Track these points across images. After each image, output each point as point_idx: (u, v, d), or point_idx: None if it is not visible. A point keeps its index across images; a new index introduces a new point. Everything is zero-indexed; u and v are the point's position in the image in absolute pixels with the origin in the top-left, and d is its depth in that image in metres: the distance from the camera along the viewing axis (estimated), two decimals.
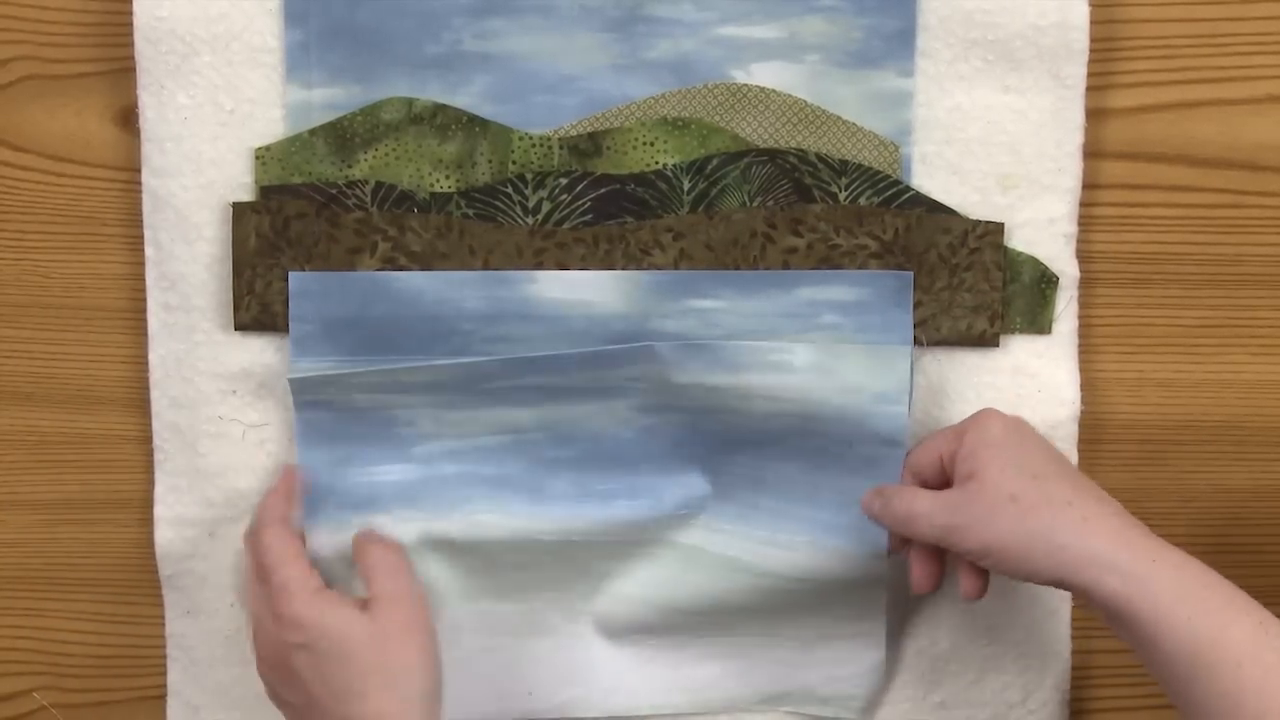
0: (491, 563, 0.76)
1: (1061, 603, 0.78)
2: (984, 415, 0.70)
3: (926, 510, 0.68)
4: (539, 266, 0.75)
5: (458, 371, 0.74)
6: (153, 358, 0.76)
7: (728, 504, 0.76)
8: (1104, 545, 0.64)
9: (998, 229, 0.74)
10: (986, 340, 0.75)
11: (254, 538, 0.72)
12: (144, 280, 0.76)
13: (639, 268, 0.75)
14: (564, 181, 0.75)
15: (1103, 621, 0.66)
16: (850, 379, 0.73)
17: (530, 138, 0.75)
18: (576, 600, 0.78)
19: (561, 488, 0.76)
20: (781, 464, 0.74)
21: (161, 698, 0.80)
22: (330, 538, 0.75)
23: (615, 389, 0.75)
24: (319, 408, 0.74)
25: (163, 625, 0.80)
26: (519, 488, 0.76)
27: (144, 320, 0.76)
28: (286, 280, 0.74)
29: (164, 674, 0.80)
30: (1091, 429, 0.77)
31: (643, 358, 0.74)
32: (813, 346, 0.73)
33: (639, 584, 0.77)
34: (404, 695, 0.67)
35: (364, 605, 0.69)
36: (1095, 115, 0.75)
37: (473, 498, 0.75)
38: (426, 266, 0.75)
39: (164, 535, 0.78)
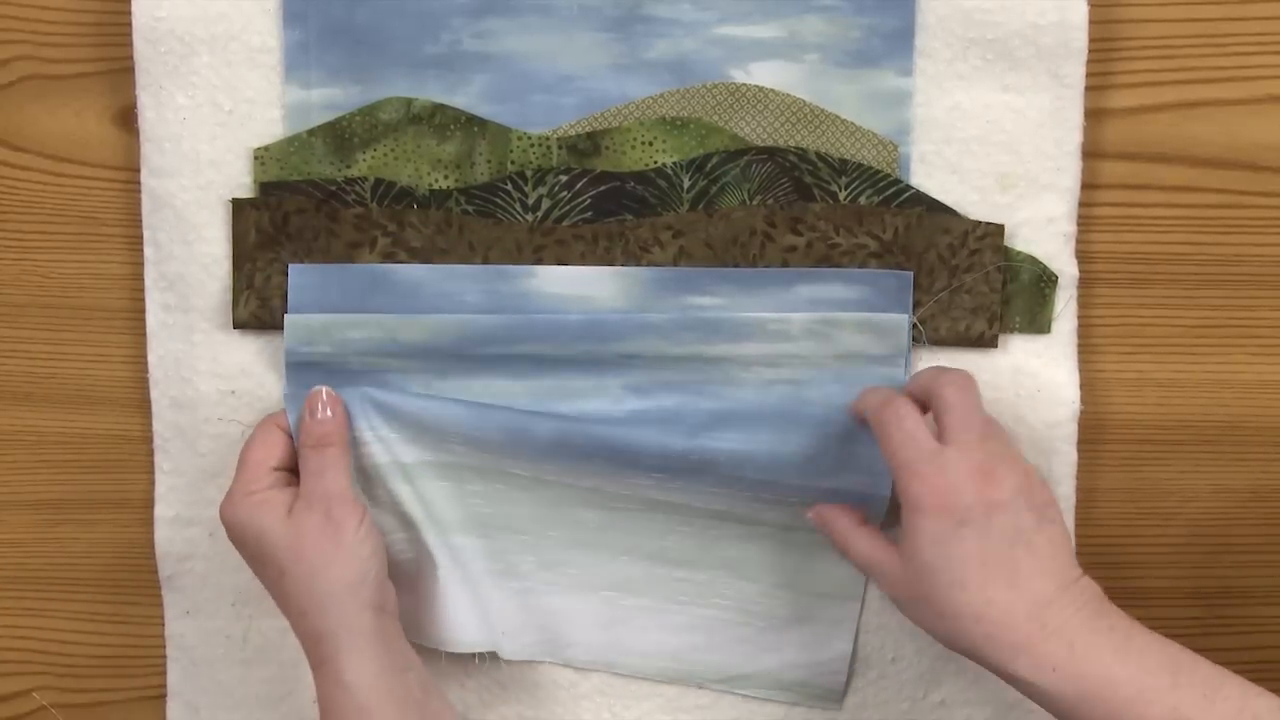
0: (461, 495, 0.76)
1: None
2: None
3: (874, 556, 0.71)
4: (538, 263, 0.75)
5: (454, 330, 0.74)
6: (152, 358, 0.77)
7: (710, 474, 0.75)
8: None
9: (998, 230, 0.74)
10: (985, 342, 0.75)
11: None
12: (143, 280, 0.76)
13: (638, 264, 0.75)
14: (564, 179, 0.75)
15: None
16: (848, 344, 0.74)
17: (529, 137, 0.75)
18: (551, 549, 0.77)
19: (542, 433, 0.74)
20: (774, 438, 0.74)
21: (161, 698, 0.80)
22: None
23: (610, 364, 0.75)
24: (312, 369, 0.74)
25: (163, 625, 0.80)
26: (499, 426, 0.75)
27: (144, 320, 0.76)
28: (285, 275, 0.74)
29: (164, 674, 0.80)
30: (1091, 429, 0.77)
31: (642, 329, 0.74)
32: (811, 316, 0.74)
33: (622, 533, 0.77)
34: (323, 590, 0.69)
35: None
36: (1095, 115, 0.75)
37: (450, 426, 0.74)
38: (426, 262, 0.75)
39: (164, 535, 0.78)
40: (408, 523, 0.75)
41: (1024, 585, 0.66)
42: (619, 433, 0.74)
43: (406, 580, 0.75)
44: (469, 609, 0.76)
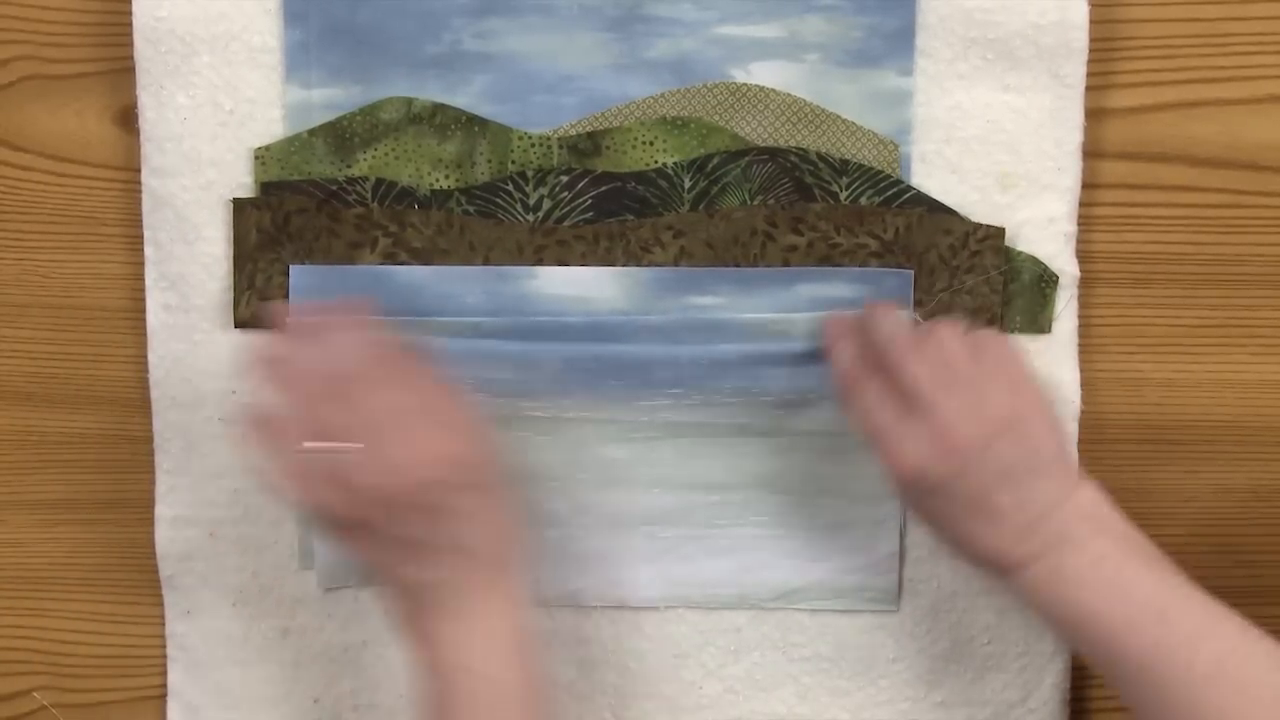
0: None
1: None
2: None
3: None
4: (539, 263, 0.75)
5: (455, 332, 0.74)
6: (152, 358, 0.77)
7: (725, 380, 0.75)
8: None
9: (998, 233, 0.74)
10: None
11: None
12: (144, 280, 0.76)
13: (639, 265, 0.75)
14: (564, 179, 0.75)
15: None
16: None
17: (529, 137, 0.75)
18: (583, 491, 0.77)
19: (550, 360, 0.75)
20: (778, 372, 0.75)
21: (161, 698, 0.80)
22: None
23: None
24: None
25: (162, 625, 0.80)
26: (509, 361, 0.75)
27: (144, 320, 0.76)
28: (287, 275, 0.74)
29: (164, 674, 0.80)
30: (1091, 429, 0.77)
31: (643, 331, 0.75)
32: (812, 316, 0.74)
33: (649, 465, 0.77)
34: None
35: None
36: (1095, 115, 0.75)
37: (459, 375, 0.74)
38: (427, 263, 0.75)
39: (164, 535, 0.78)
40: None
41: (1006, 520, 0.67)
42: (628, 349, 0.75)
43: None
44: None
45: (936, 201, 0.75)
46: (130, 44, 0.74)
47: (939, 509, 0.68)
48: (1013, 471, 0.67)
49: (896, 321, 0.70)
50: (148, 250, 0.76)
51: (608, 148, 0.75)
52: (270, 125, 0.75)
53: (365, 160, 0.75)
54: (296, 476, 0.66)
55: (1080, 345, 0.76)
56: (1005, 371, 0.69)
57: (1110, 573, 0.66)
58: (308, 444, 0.65)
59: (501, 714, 0.66)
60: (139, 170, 0.75)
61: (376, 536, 0.67)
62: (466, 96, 0.74)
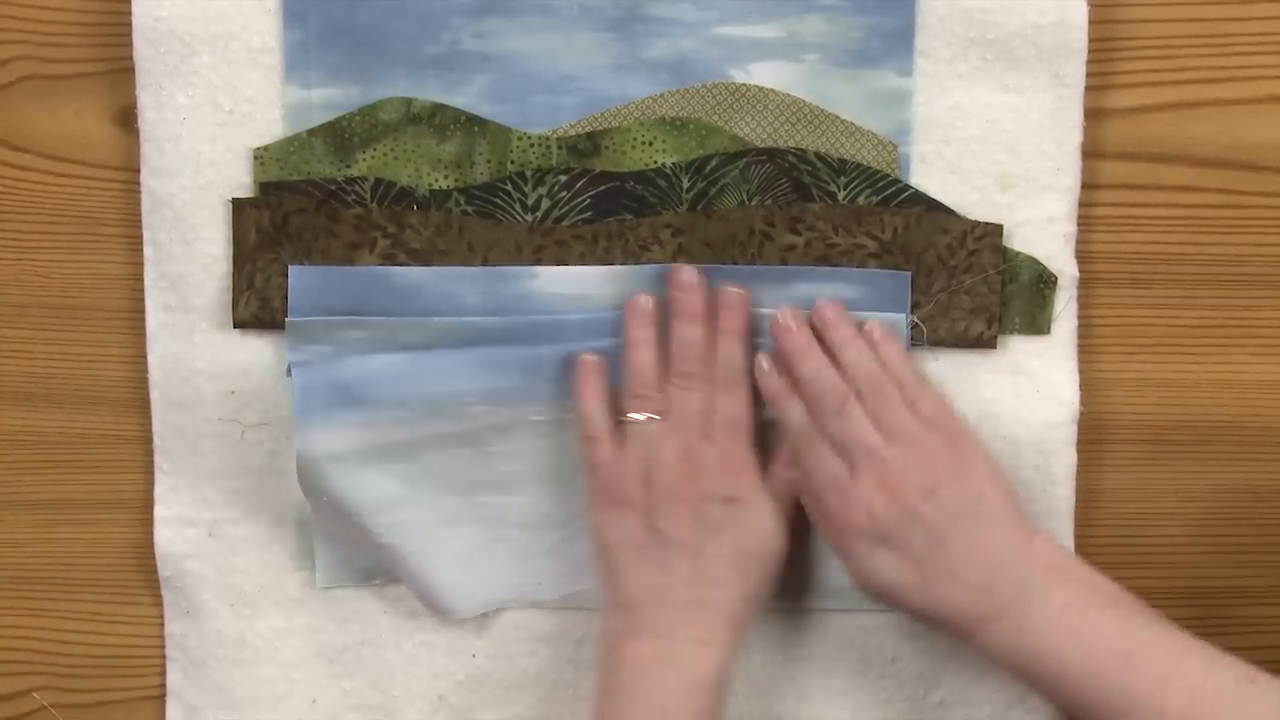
0: (486, 454, 0.76)
1: None
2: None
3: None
4: (538, 263, 0.75)
5: (455, 332, 0.74)
6: (152, 358, 0.77)
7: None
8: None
9: (996, 231, 0.74)
10: (984, 343, 0.75)
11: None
12: (143, 280, 0.76)
13: (638, 264, 0.75)
14: (563, 179, 0.75)
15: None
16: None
17: (529, 137, 0.75)
18: (583, 493, 0.77)
19: (554, 361, 0.75)
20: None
21: (161, 698, 0.80)
22: (320, 435, 0.74)
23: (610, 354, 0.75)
24: (313, 370, 0.74)
25: (162, 625, 0.80)
26: (509, 370, 0.75)
27: (144, 320, 0.76)
28: (285, 276, 0.74)
29: (164, 674, 0.80)
30: (1091, 429, 0.77)
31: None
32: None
33: None
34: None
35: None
36: (1095, 115, 0.75)
37: (463, 387, 0.75)
38: (426, 263, 0.75)
39: (164, 535, 0.78)
40: (407, 499, 0.75)
41: (962, 575, 0.68)
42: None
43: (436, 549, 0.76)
44: (481, 569, 0.77)
45: (934, 201, 0.75)
46: (130, 44, 0.74)
47: (893, 567, 0.69)
48: (962, 517, 0.68)
49: (833, 381, 0.71)
50: (147, 250, 0.76)
51: (607, 148, 0.75)
52: (270, 125, 0.75)
53: (364, 160, 0.75)
54: (603, 433, 0.72)
55: (1080, 346, 0.76)
56: (944, 424, 0.71)
57: (1075, 621, 0.66)
58: (629, 414, 0.72)
59: None
60: (138, 170, 0.75)
61: (637, 518, 0.70)
62: (466, 97, 0.74)
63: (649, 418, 0.71)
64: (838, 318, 0.73)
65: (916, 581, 0.69)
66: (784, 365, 0.72)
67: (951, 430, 0.71)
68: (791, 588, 0.78)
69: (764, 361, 0.73)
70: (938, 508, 0.68)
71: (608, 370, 0.74)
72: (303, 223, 0.75)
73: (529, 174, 0.75)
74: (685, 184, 0.75)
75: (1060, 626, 0.66)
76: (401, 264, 0.75)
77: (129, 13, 0.73)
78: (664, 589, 0.70)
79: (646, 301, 0.73)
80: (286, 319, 0.74)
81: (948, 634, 0.70)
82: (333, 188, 0.75)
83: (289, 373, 0.74)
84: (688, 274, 0.73)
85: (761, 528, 0.71)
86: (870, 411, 0.70)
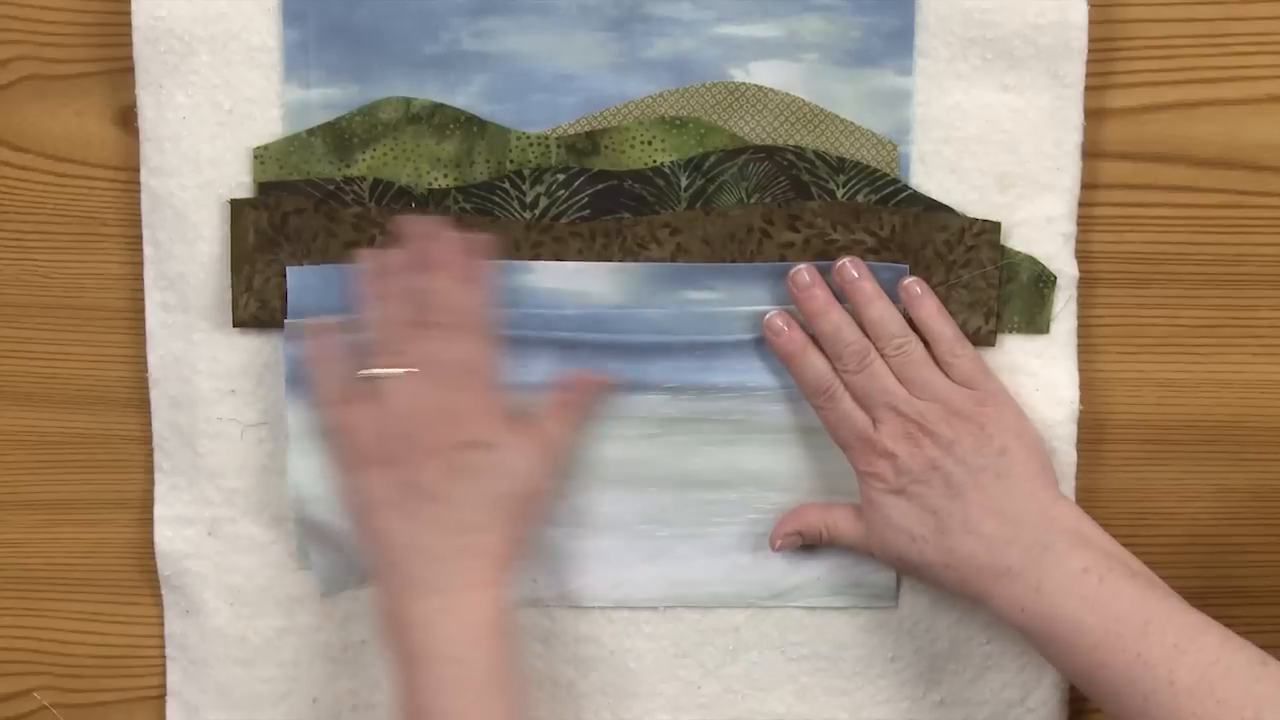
0: None
1: None
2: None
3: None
4: (535, 259, 0.75)
5: None
6: (152, 357, 0.77)
7: (719, 368, 0.76)
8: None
9: (994, 227, 0.74)
10: (982, 339, 0.75)
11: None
12: (143, 280, 0.76)
13: (636, 260, 0.75)
14: (561, 177, 0.75)
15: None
16: None
17: (528, 137, 0.75)
18: (578, 492, 0.77)
19: (546, 353, 0.75)
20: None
21: (161, 698, 0.80)
22: (310, 414, 0.74)
23: (608, 350, 0.76)
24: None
25: (162, 625, 0.80)
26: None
27: (143, 320, 0.76)
28: (284, 277, 0.74)
29: (164, 674, 0.80)
30: (1091, 429, 0.77)
31: (639, 322, 0.75)
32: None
33: (644, 464, 0.77)
34: None
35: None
36: (1095, 115, 0.75)
37: None
38: None
39: (164, 535, 0.78)
40: None
41: (981, 529, 0.69)
42: (623, 338, 0.75)
43: None
44: None
45: (933, 200, 0.75)
46: (129, 44, 0.74)
47: (912, 516, 0.70)
48: (982, 471, 0.69)
49: (855, 335, 0.72)
50: (146, 250, 0.76)
51: (606, 147, 0.75)
52: (269, 125, 0.75)
53: (364, 160, 0.75)
54: (339, 395, 0.69)
55: (1080, 345, 0.76)
56: (978, 383, 0.72)
57: (1093, 585, 0.66)
58: (363, 371, 0.70)
59: (470, 701, 0.66)
60: (138, 170, 0.75)
61: (388, 476, 0.68)
62: (465, 96, 0.74)
63: (392, 373, 0.70)
64: (861, 276, 0.73)
65: (934, 532, 0.69)
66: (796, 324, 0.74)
67: (984, 389, 0.72)
68: (792, 587, 0.78)
69: (777, 320, 0.73)
70: (958, 461, 0.69)
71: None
72: (301, 222, 0.75)
73: (527, 172, 0.75)
74: (684, 182, 0.75)
75: (1077, 590, 0.66)
76: None
77: (129, 12, 0.73)
78: (427, 543, 0.68)
79: (378, 256, 0.72)
80: (285, 319, 0.74)
81: (964, 595, 0.70)
82: (331, 187, 0.75)
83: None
84: (413, 224, 0.72)
85: (516, 469, 0.70)
86: (894, 366, 0.71)
